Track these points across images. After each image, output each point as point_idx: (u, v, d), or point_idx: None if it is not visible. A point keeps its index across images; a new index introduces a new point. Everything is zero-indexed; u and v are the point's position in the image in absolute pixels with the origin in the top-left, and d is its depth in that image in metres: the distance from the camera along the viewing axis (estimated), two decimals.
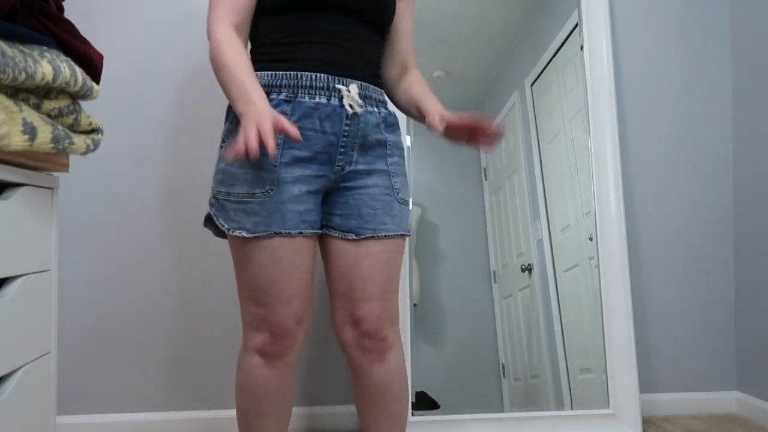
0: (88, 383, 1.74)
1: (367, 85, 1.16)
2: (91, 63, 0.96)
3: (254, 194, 1.07)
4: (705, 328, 1.96)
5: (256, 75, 1.10)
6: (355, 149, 1.13)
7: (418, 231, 1.79)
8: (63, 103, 0.89)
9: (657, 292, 1.95)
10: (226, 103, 1.81)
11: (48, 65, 0.81)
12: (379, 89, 1.20)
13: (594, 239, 1.81)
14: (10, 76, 0.73)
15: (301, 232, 1.09)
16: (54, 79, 0.82)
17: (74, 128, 0.94)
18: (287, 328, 1.11)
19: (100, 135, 1.02)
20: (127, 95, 1.78)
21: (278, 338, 1.11)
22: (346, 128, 1.11)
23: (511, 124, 1.86)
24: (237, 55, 1.05)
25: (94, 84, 0.96)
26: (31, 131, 0.79)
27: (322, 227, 1.16)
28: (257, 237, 1.07)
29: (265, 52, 1.14)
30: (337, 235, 1.14)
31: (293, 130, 0.94)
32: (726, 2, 2.01)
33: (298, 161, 1.09)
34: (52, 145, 0.85)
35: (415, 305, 1.75)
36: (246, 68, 1.04)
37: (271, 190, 1.07)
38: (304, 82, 1.09)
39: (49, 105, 0.86)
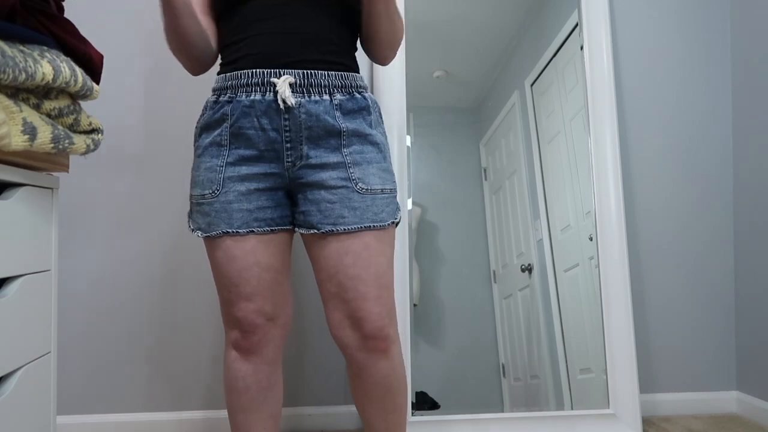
0: (88, 383, 1.74)
1: (313, 72, 1.09)
2: (91, 63, 0.96)
3: (204, 195, 1.11)
4: (705, 328, 1.97)
5: (215, 79, 1.17)
6: (303, 143, 1.09)
7: (418, 231, 1.79)
8: (63, 103, 0.89)
9: (657, 292, 1.95)
10: None
11: (48, 65, 0.81)
12: (334, 73, 1.11)
13: (594, 239, 1.81)
14: (10, 76, 0.73)
15: (252, 231, 1.10)
16: (54, 79, 0.82)
17: (74, 128, 0.94)
18: (253, 324, 1.13)
19: (100, 135, 1.02)
20: (127, 95, 1.78)
21: (247, 333, 1.14)
22: (286, 123, 1.08)
23: (511, 124, 1.86)
24: None
25: (94, 84, 0.96)
26: (31, 131, 0.79)
27: (294, 225, 1.16)
28: (209, 237, 1.12)
29: (223, 53, 1.17)
30: (303, 232, 1.14)
31: None
32: (726, 2, 2.01)
33: (244, 160, 1.10)
34: (52, 145, 0.85)
35: (415, 305, 1.75)
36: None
37: (218, 190, 1.10)
38: (242, 81, 1.09)
39: (49, 105, 0.86)
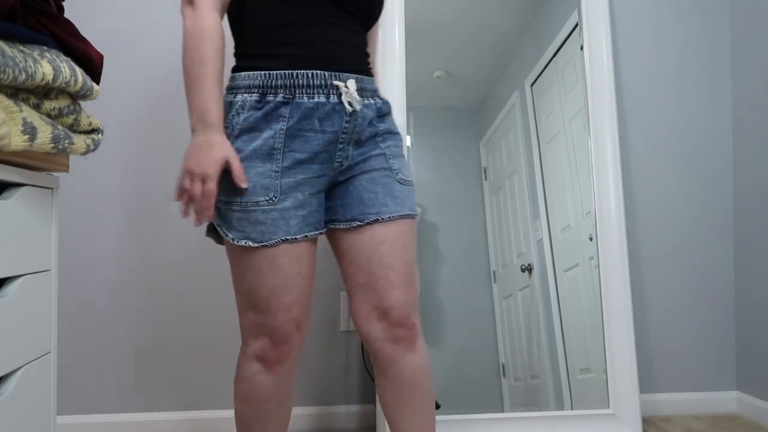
0: (88, 383, 1.74)
1: (362, 77, 1.13)
2: (91, 63, 0.96)
3: (258, 202, 1.04)
4: (705, 328, 1.96)
5: (248, 75, 1.07)
6: (350, 144, 1.12)
7: (418, 231, 1.79)
8: (63, 103, 0.89)
9: (657, 292, 1.95)
10: None
11: (48, 65, 0.81)
12: (371, 78, 1.17)
13: (594, 239, 1.81)
14: (11, 76, 0.73)
15: (306, 236, 1.08)
16: (54, 79, 0.82)
17: (74, 128, 0.94)
18: (287, 334, 1.09)
19: (100, 135, 1.02)
20: (127, 95, 1.78)
21: (278, 344, 1.10)
22: (346, 125, 1.09)
23: (511, 124, 1.86)
24: (215, 54, 1.03)
25: (94, 84, 0.96)
26: (31, 131, 0.79)
27: (326, 223, 1.15)
28: (264, 246, 1.05)
29: (255, 47, 1.08)
30: (342, 226, 1.12)
31: (240, 175, 1.02)
32: (726, 3, 2.01)
33: (300, 164, 1.07)
34: (52, 145, 0.84)
35: None
36: (217, 77, 1.03)
37: (275, 197, 1.05)
38: (300, 82, 1.05)
39: (49, 105, 0.86)
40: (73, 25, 0.93)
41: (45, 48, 0.84)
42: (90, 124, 0.99)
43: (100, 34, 1.77)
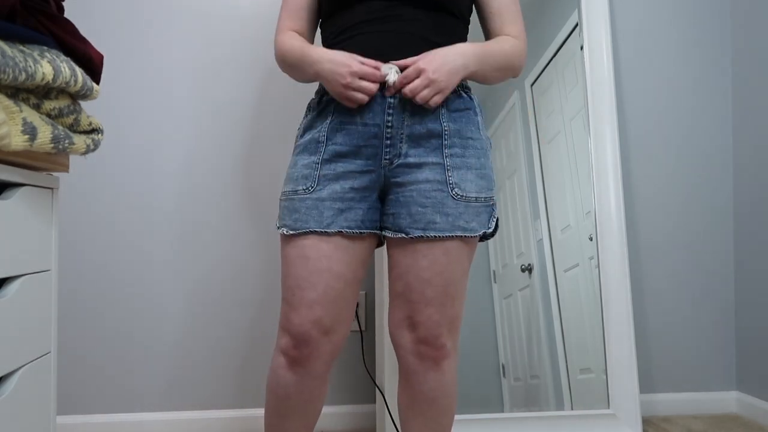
0: (88, 383, 1.74)
1: None
2: (91, 63, 0.96)
3: (297, 191, 1.08)
4: (705, 328, 1.97)
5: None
6: (403, 141, 1.07)
7: None
8: (63, 103, 0.89)
9: (657, 292, 1.95)
10: (227, 100, 1.81)
11: (48, 65, 0.81)
12: None
13: (594, 239, 1.81)
14: (11, 76, 0.73)
15: (340, 231, 1.06)
16: (54, 79, 0.82)
17: (74, 128, 0.94)
18: (307, 335, 1.05)
19: (100, 135, 1.02)
20: (126, 95, 1.78)
21: (298, 343, 1.06)
22: (389, 118, 1.07)
23: (511, 124, 1.86)
24: (291, 40, 1.15)
25: (94, 84, 0.96)
26: (31, 131, 0.79)
27: (381, 228, 1.12)
28: (297, 234, 1.06)
29: None
30: (390, 235, 1.10)
31: (372, 69, 1.05)
32: (726, 3, 2.01)
33: (341, 156, 1.07)
34: (52, 145, 0.84)
35: None
36: (300, 43, 1.13)
37: (312, 187, 1.06)
38: None
39: (49, 105, 0.86)
40: (73, 25, 0.93)
41: (45, 48, 0.84)
42: (90, 124, 0.99)
43: (100, 34, 1.77)
